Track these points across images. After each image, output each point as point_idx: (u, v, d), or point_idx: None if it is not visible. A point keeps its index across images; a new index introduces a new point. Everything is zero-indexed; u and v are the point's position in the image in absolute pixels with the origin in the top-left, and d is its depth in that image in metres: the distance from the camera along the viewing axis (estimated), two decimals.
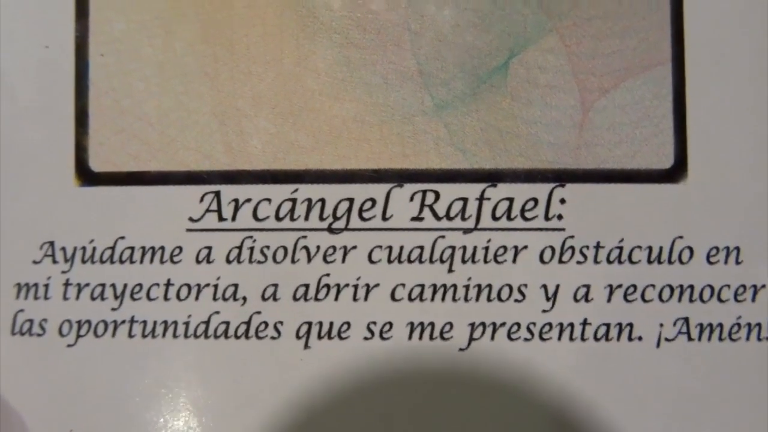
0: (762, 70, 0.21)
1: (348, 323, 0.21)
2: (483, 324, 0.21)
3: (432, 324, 0.21)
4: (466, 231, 0.21)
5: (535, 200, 0.21)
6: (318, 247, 0.21)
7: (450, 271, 0.21)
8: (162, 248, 0.21)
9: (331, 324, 0.21)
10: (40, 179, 0.21)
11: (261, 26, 0.21)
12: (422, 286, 0.21)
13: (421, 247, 0.21)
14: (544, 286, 0.21)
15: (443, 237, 0.21)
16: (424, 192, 0.21)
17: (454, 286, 0.21)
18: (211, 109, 0.21)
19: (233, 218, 0.21)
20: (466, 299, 0.21)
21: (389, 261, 0.21)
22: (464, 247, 0.21)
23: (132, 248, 0.21)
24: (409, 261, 0.21)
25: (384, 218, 0.21)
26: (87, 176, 0.21)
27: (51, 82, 0.22)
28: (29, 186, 0.21)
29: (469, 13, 0.21)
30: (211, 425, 0.21)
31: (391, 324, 0.21)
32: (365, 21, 0.21)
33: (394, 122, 0.21)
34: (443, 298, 0.21)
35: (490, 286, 0.21)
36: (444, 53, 0.21)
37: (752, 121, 0.21)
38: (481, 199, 0.21)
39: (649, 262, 0.21)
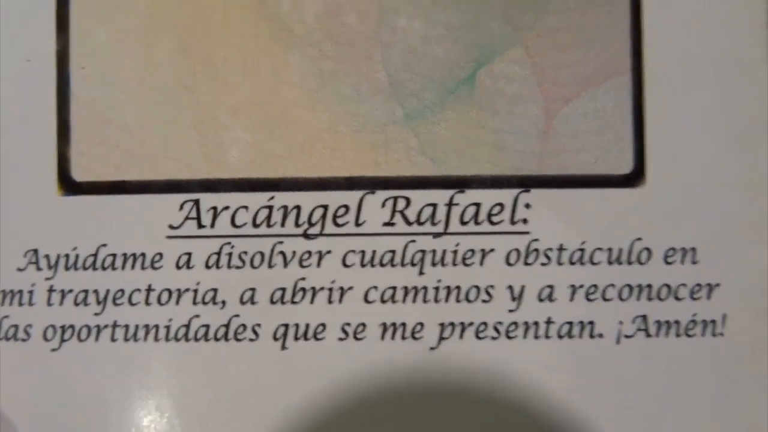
0: (716, 80, 0.22)
1: (323, 325, 0.22)
2: (452, 324, 0.22)
3: (404, 324, 0.22)
4: (436, 235, 0.22)
5: (501, 205, 0.22)
6: (294, 253, 0.22)
7: (420, 273, 0.22)
8: (143, 255, 0.22)
9: (307, 326, 0.22)
10: (24, 189, 0.22)
11: (238, 40, 0.22)
12: (394, 288, 0.22)
13: (393, 251, 0.22)
14: (510, 287, 0.22)
15: (414, 241, 0.22)
16: (396, 198, 0.22)
17: (425, 288, 0.22)
18: (190, 120, 0.22)
19: (212, 225, 0.22)
20: (436, 300, 0.22)
21: (362, 265, 0.22)
22: (434, 251, 0.22)
23: (114, 255, 0.22)
24: (382, 264, 0.22)
25: (357, 224, 0.22)
26: (69, 186, 0.22)
27: (33, 94, 0.22)
28: (13, 196, 0.22)
29: (439, 26, 0.22)
30: (193, 425, 0.22)
31: (364, 325, 0.22)
32: (338, 34, 0.22)
33: (366, 132, 0.22)
34: (414, 300, 0.22)
35: (458, 287, 0.22)
36: (414, 65, 0.22)
37: (707, 129, 0.22)
38: (450, 204, 0.22)
39: (610, 263, 0.22)
